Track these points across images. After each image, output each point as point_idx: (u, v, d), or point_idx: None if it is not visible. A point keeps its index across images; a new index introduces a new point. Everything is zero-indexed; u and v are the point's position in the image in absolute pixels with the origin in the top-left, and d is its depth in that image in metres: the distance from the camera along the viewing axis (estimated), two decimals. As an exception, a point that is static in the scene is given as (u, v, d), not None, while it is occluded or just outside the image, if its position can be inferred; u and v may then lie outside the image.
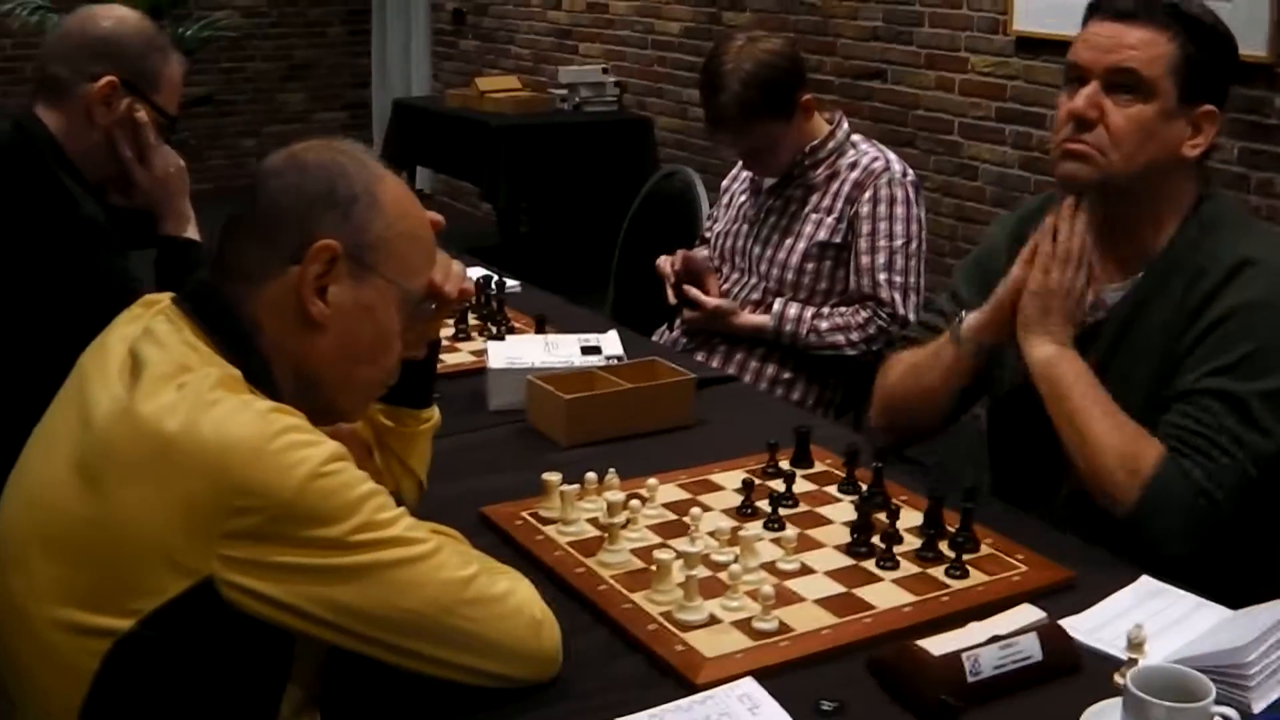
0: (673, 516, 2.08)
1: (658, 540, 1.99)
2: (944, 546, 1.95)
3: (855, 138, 3.31)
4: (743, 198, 3.43)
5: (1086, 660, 1.70)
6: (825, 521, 2.08)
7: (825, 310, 3.21)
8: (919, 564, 1.93)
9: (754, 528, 2.01)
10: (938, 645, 1.62)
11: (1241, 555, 2.08)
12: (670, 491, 2.16)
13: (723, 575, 1.82)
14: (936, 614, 1.80)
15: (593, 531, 2.01)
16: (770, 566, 1.91)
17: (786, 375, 3.26)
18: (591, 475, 2.10)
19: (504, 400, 2.55)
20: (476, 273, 3.31)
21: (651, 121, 6.84)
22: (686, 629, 1.74)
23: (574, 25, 7.47)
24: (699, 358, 3.23)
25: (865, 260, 3.17)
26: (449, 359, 2.79)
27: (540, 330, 2.92)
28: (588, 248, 5.63)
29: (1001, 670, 1.62)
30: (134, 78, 2.48)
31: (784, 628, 1.75)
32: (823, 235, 3.21)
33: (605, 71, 7.05)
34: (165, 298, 1.62)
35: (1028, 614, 1.73)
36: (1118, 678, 1.61)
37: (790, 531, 2.00)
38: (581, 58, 7.40)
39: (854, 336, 3.17)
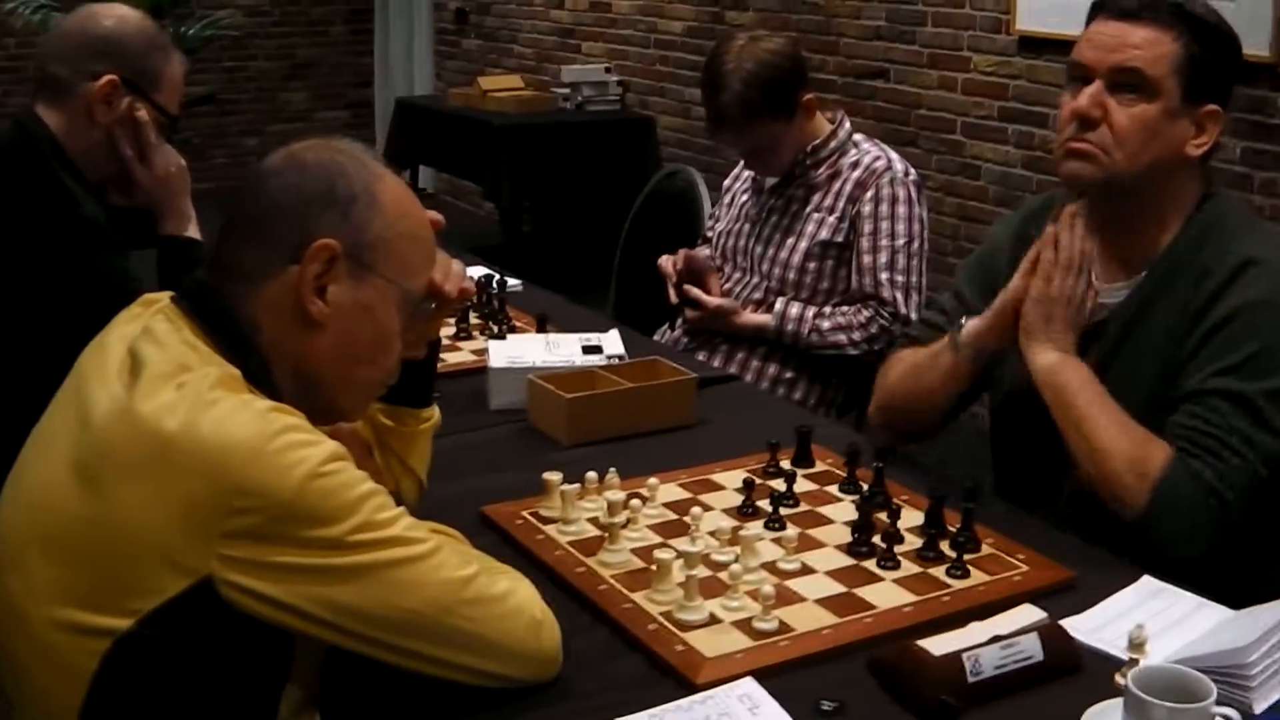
0: (673, 516, 2.07)
1: (658, 540, 1.99)
2: (945, 546, 1.95)
3: (857, 137, 3.30)
4: (745, 197, 3.43)
5: (1087, 660, 1.69)
6: (826, 521, 2.08)
7: (827, 310, 3.21)
8: (920, 564, 1.93)
9: (755, 527, 2.00)
10: (938, 645, 1.62)
11: (1243, 555, 2.07)
12: (671, 491, 2.16)
13: (723, 575, 1.82)
14: (937, 614, 1.79)
15: (593, 531, 2.00)
16: (771, 566, 1.91)
17: (788, 375, 3.26)
18: (592, 475, 2.10)
19: (505, 399, 2.54)
20: (478, 272, 3.31)
21: (654, 121, 6.84)
22: (687, 629, 1.74)
23: (577, 24, 7.47)
24: (700, 357, 3.22)
25: (867, 260, 3.16)
26: (450, 358, 2.79)
27: (542, 329, 2.91)
28: (590, 247, 5.63)
29: (1002, 670, 1.61)
30: (135, 77, 2.48)
31: (784, 627, 1.75)
32: (824, 235, 3.21)
33: (608, 71, 7.05)
34: (164, 297, 1.62)
35: (1029, 614, 1.72)
36: (1119, 678, 1.61)
37: (791, 531, 2.00)
38: (584, 57, 7.39)
39: (856, 336, 3.16)
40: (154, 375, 1.47)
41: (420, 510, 1.73)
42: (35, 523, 1.50)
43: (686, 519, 2.01)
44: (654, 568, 1.83)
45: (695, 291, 3.29)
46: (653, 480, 2.12)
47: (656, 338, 3.37)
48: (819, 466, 2.27)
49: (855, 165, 3.23)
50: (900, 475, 2.20)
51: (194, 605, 1.41)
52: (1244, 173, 4.24)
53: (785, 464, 2.24)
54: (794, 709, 1.57)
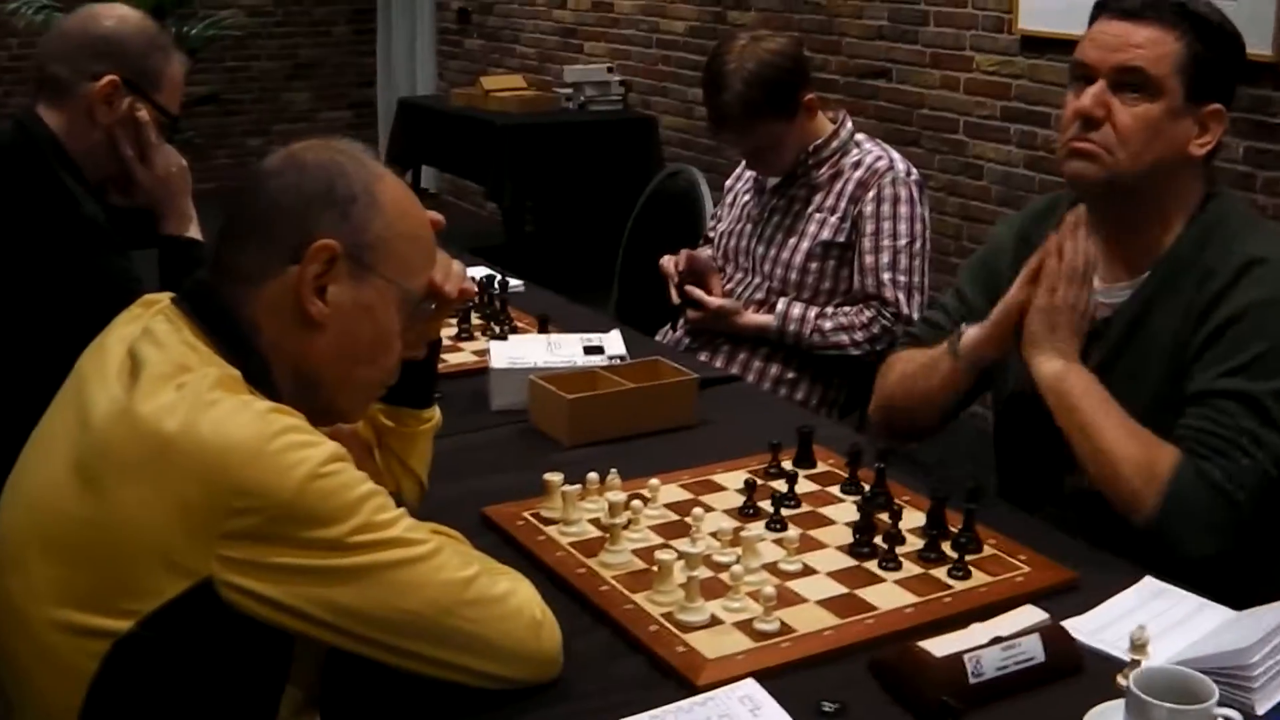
0: (674, 517, 2.07)
1: (659, 541, 1.98)
2: (946, 547, 1.94)
3: (859, 137, 3.30)
4: (746, 197, 3.43)
5: (1089, 661, 1.69)
6: (827, 522, 2.07)
7: (829, 310, 3.21)
8: (921, 565, 1.93)
9: (756, 528, 2.00)
10: (940, 646, 1.62)
11: (1247, 556, 2.07)
12: (672, 492, 2.15)
13: (724, 576, 1.82)
14: (939, 615, 1.79)
15: (594, 532, 2.00)
16: (772, 567, 1.91)
17: (790, 375, 3.26)
18: (593, 475, 2.10)
19: (506, 400, 2.54)
20: (480, 272, 3.31)
21: (656, 121, 6.84)
22: (688, 630, 1.74)
23: (579, 24, 7.47)
24: (702, 358, 3.22)
25: (869, 260, 3.16)
26: (451, 358, 2.79)
27: (543, 330, 2.91)
28: (592, 247, 5.63)
29: (1004, 672, 1.61)
30: (135, 77, 2.48)
31: (785, 629, 1.75)
32: (826, 235, 3.21)
33: (610, 70, 7.05)
34: (164, 298, 1.62)
35: (1030, 615, 1.72)
36: (1120, 679, 1.61)
37: (792, 532, 1.99)
38: (586, 57, 7.39)
39: (858, 336, 3.16)
40: (153, 376, 1.47)
41: (421, 511, 1.73)
42: (35, 523, 1.50)
43: (688, 520, 2.00)
44: (655, 569, 1.82)
45: (697, 292, 3.28)
46: (654, 481, 2.11)
47: (658, 338, 3.36)
48: (821, 467, 2.27)
49: (857, 165, 3.23)
50: (902, 476, 2.20)
51: (194, 607, 1.41)
52: (1247, 172, 4.23)
53: (787, 465, 2.24)
54: (795, 710, 1.56)
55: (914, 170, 3.24)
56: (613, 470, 2.10)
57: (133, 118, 2.49)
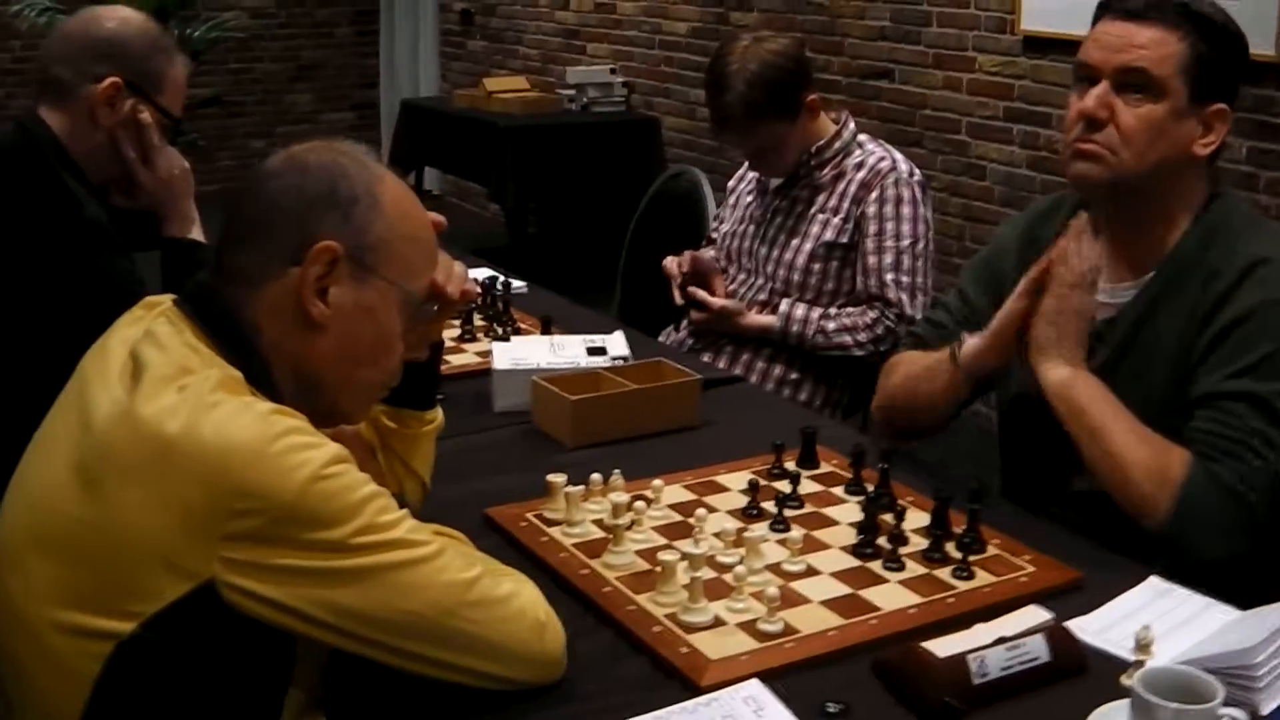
0: (678, 518, 2.07)
1: (663, 542, 1.98)
2: (950, 548, 1.94)
3: (862, 137, 3.30)
4: (749, 198, 3.43)
5: (1093, 662, 1.69)
6: (831, 523, 2.07)
7: (832, 311, 3.20)
8: (925, 565, 1.92)
9: (759, 529, 2.00)
10: (943, 647, 1.62)
11: (1258, 556, 2.06)
12: (675, 493, 2.15)
13: (728, 577, 1.82)
14: (942, 615, 1.79)
15: (598, 533, 2.00)
16: (776, 568, 1.90)
17: (793, 376, 3.25)
18: (596, 476, 2.09)
19: (509, 401, 2.54)
20: (483, 273, 3.30)
21: (659, 122, 6.84)
22: (691, 631, 1.73)
23: (582, 25, 7.47)
24: (705, 358, 3.22)
25: (872, 260, 3.16)
26: (454, 360, 2.79)
27: (546, 331, 2.91)
28: (595, 248, 5.63)
29: (1008, 672, 1.61)
30: (138, 79, 2.48)
31: (789, 629, 1.74)
32: (829, 235, 3.20)
33: (613, 72, 7.05)
34: (167, 300, 1.62)
35: (1034, 615, 1.72)
36: (1125, 679, 1.61)
37: (796, 533, 1.99)
38: (589, 58, 7.39)
39: (861, 337, 3.16)
40: (155, 378, 1.47)
41: (424, 512, 1.73)
42: (36, 525, 1.50)
43: (691, 521, 2.00)
44: (658, 570, 1.82)
45: (700, 293, 3.28)
46: (657, 482, 2.11)
47: (661, 339, 3.36)
48: (824, 468, 2.26)
49: (860, 166, 3.22)
50: (905, 476, 2.19)
51: (196, 609, 1.41)
52: (1250, 172, 4.23)
53: (790, 465, 2.24)
54: (799, 711, 1.56)
55: (916, 171, 3.24)
56: (616, 471, 2.10)
57: (135, 120, 2.49)
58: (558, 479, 2.06)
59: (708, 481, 2.21)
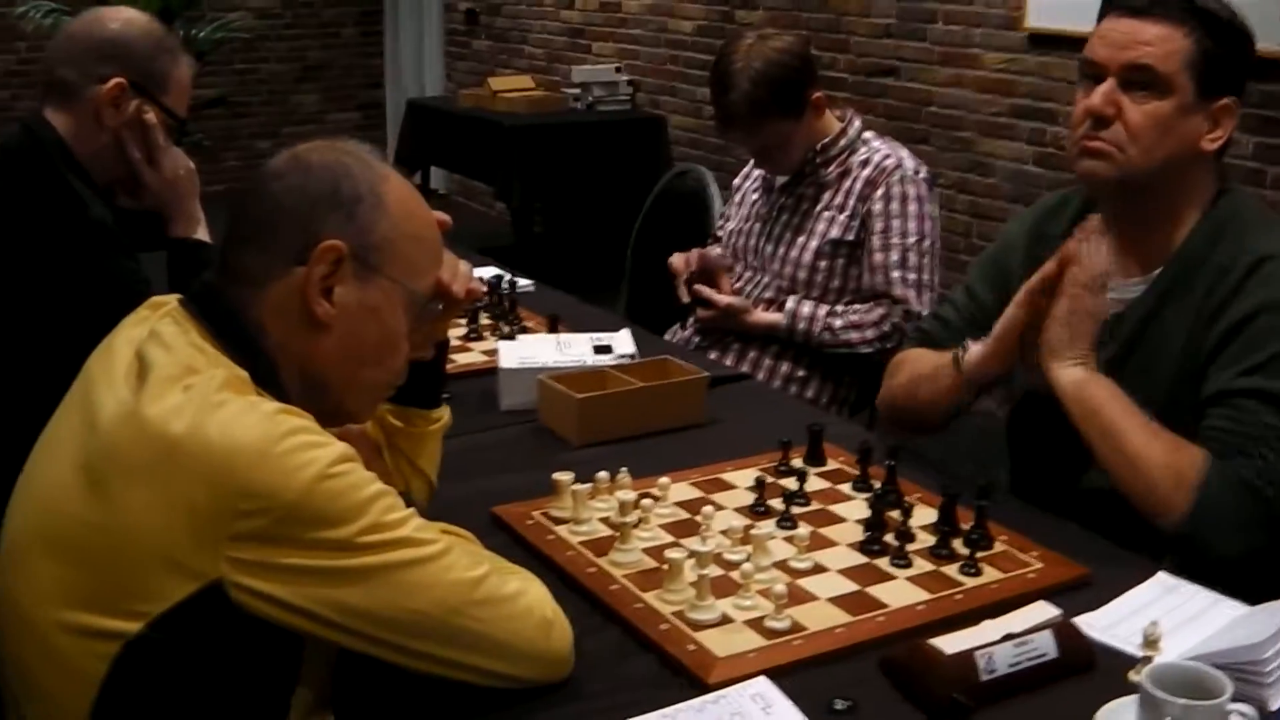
0: (685, 515, 2.07)
1: (670, 539, 1.98)
2: (958, 544, 1.94)
3: (867, 135, 3.29)
4: (755, 196, 3.43)
5: (1101, 658, 1.68)
6: (838, 519, 2.07)
7: (839, 308, 3.20)
8: (932, 562, 1.92)
9: (766, 526, 2.00)
10: (950, 643, 1.61)
11: (1272, 551, 2.06)
12: (682, 490, 2.15)
13: (735, 574, 1.82)
14: (950, 612, 1.79)
15: (604, 531, 2.00)
16: (783, 565, 1.90)
17: (800, 373, 3.25)
18: (603, 474, 2.09)
19: (516, 400, 2.54)
20: (489, 272, 3.30)
21: (664, 120, 6.84)
22: (699, 628, 1.73)
23: (587, 24, 7.47)
24: (712, 356, 3.22)
25: (878, 258, 3.15)
26: (460, 358, 2.79)
27: (552, 329, 2.91)
28: (601, 247, 5.63)
29: (1015, 668, 1.61)
30: (142, 79, 2.48)
31: (797, 626, 1.74)
32: (835, 233, 3.20)
33: (618, 70, 7.05)
34: (172, 300, 1.62)
35: (1042, 611, 1.71)
36: (1133, 675, 1.60)
37: (803, 530, 1.99)
38: (594, 57, 7.39)
39: (868, 334, 3.16)
40: (161, 378, 1.47)
41: (431, 511, 1.73)
42: (42, 524, 1.50)
43: (698, 518, 2.00)
44: (665, 567, 1.82)
45: (706, 290, 3.28)
46: (664, 480, 2.11)
47: (668, 337, 3.36)
48: (831, 465, 2.26)
49: (866, 163, 3.22)
50: (913, 473, 2.19)
51: (204, 608, 1.41)
52: (1257, 168, 4.22)
53: (797, 462, 2.23)
54: (807, 708, 1.56)
55: (923, 168, 3.23)
56: (623, 469, 2.10)
57: (140, 120, 2.49)
58: (564, 477, 2.06)
59: (714, 479, 2.21)
